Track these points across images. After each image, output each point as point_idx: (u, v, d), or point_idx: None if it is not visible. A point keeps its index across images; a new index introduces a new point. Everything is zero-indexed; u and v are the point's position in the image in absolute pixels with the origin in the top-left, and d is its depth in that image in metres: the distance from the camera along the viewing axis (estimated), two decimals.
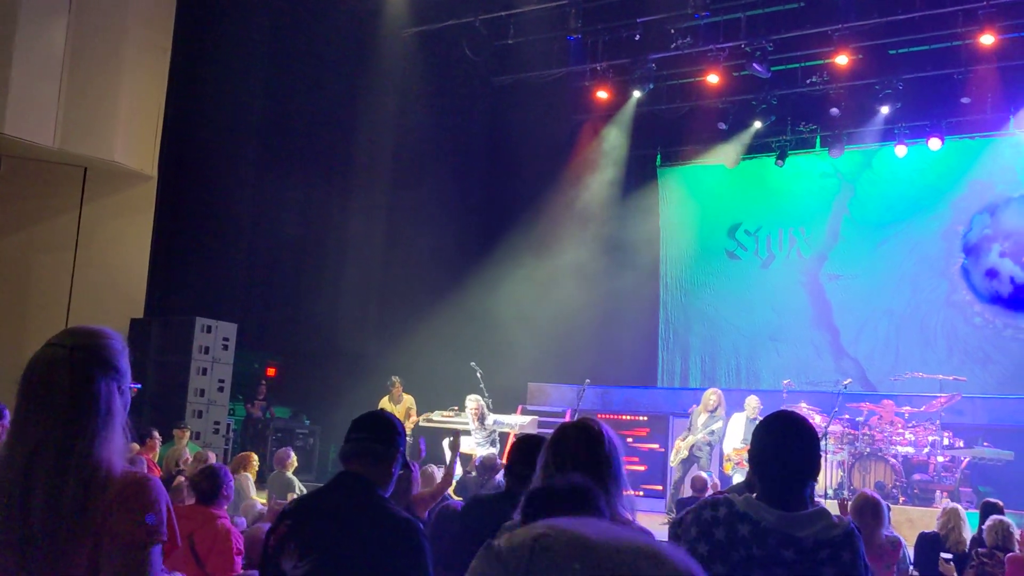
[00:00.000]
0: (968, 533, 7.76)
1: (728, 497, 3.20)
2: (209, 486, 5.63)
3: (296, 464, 9.55)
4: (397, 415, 11.97)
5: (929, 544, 7.60)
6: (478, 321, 13.63)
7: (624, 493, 3.28)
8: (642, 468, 12.51)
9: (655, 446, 12.73)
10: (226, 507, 5.75)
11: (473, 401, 11.91)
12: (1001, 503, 8.10)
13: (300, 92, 13.86)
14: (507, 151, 15.16)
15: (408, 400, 12.39)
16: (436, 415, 12.15)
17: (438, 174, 14.86)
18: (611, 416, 13.75)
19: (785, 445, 3.12)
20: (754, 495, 3.20)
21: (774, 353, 15.55)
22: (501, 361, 13.07)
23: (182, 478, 7.87)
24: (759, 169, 15.86)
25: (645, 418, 13.02)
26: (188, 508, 5.71)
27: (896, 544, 6.61)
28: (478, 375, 11.97)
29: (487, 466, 8.72)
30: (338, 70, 13.94)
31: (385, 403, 12.35)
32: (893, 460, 11.67)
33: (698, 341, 16.15)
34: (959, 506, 7.88)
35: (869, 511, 6.18)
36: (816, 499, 3.13)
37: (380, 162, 14.67)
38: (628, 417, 13.34)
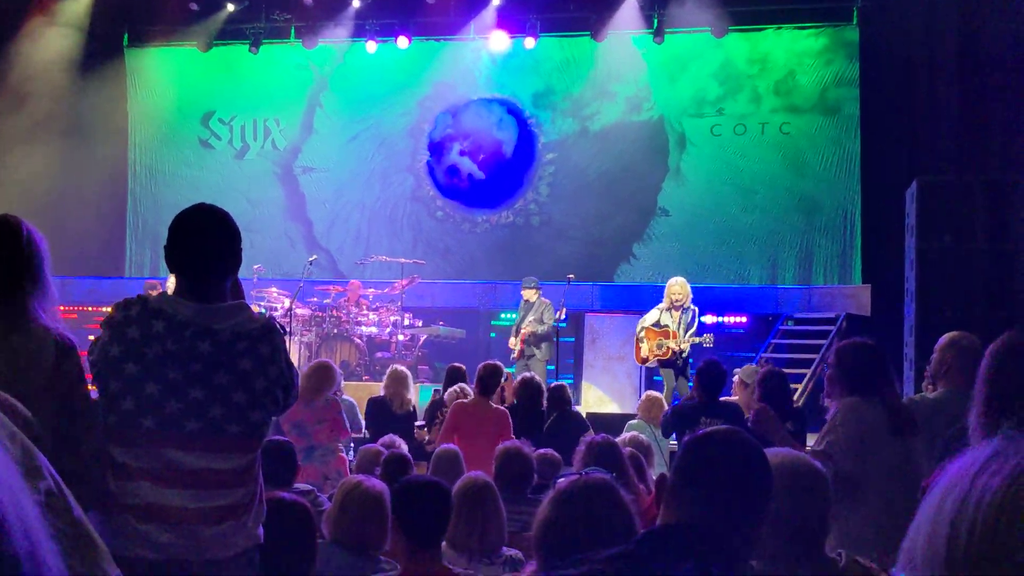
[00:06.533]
0: (412, 395, 8.45)
1: (142, 295, 3.11)
2: None
3: None
4: None
5: (377, 405, 8.17)
6: None
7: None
8: None
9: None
10: None
11: None
12: (463, 367, 8.88)
13: None
14: None
15: None
16: None
17: None
18: (73, 307, 12.98)
19: (201, 237, 3.08)
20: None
21: (248, 245, 15.41)
22: None
23: None
24: (233, 56, 15.54)
25: (109, 309, 12.52)
26: None
27: (331, 403, 7.05)
28: None
29: None
30: None
31: None
32: (358, 340, 12.27)
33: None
34: (400, 368, 8.50)
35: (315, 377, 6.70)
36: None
37: None
38: (91, 308, 12.76)
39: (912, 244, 10.61)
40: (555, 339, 11.68)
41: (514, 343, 11.82)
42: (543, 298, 11.84)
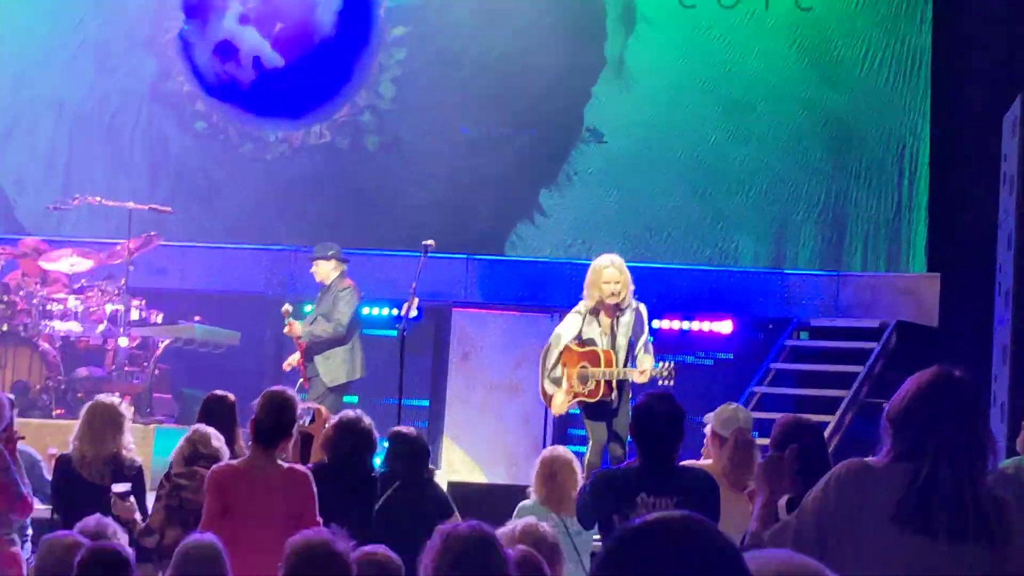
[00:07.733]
0: (132, 447, 8.33)
1: None
2: None
3: None
4: None
5: (70, 466, 8.20)
6: None
7: None
8: None
9: None
10: None
11: None
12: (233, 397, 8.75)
13: None
14: None
15: None
16: None
17: None
18: None
19: None
20: None
21: None
22: None
23: None
24: None
25: None
26: None
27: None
28: None
29: None
30: None
31: None
32: (45, 344, 11.83)
33: None
34: (107, 401, 8.52)
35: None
36: None
37: None
38: None
39: (1011, 206, 10.73)
40: (367, 346, 11.57)
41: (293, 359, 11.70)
42: (346, 278, 11.70)
